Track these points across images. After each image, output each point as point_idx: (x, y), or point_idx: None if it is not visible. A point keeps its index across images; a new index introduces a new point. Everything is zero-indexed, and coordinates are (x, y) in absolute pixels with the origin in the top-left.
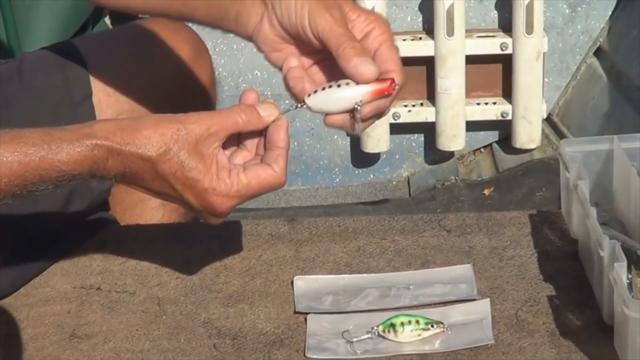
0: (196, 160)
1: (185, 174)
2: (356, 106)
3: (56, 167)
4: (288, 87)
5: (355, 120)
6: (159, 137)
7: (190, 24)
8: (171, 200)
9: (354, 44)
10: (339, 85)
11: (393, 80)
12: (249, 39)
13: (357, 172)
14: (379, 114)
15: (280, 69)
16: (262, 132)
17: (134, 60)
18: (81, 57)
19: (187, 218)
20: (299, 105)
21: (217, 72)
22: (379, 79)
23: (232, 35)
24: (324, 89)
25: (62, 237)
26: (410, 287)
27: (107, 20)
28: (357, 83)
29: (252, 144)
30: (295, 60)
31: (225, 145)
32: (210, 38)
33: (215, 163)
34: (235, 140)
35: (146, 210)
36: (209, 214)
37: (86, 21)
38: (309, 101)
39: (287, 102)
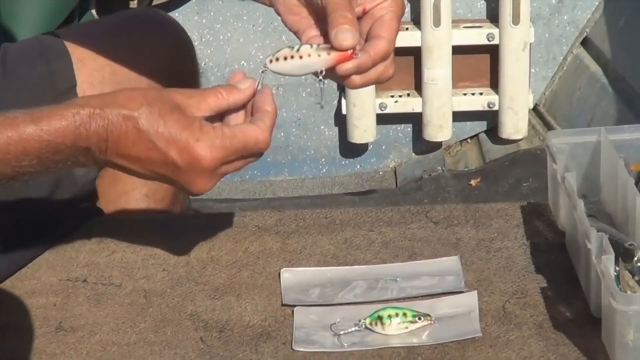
0: (178, 114)
1: (167, 127)
2: (319, 76)
3: (39, 137)
4: None
5: (321, 84)
6: (141, 96)
7: (175, 16)
8: (156, 168)
9: (345, 13)
10: (300, 56)
11: (354, 50)
12: (268, 2)
13: (343, 162)
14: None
15: (295, 33)
16: (244, 115)
17: (118, 51)
18: (65, 48)
19: (173, 209)
20: (262, 70)
21: (203, 63)
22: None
23: (218, 25)
24: (291, 56)
25: (48, 229)
26: (398, 279)
27: (94, 12)
28: (334, 48)
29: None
30: (314, 30)
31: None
32: (197, 29)
33: (197, 121)
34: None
35: (130, 201)
36: (195, 173)
37: (72, 12)
38: (271, 67)
39: (275, 91)
